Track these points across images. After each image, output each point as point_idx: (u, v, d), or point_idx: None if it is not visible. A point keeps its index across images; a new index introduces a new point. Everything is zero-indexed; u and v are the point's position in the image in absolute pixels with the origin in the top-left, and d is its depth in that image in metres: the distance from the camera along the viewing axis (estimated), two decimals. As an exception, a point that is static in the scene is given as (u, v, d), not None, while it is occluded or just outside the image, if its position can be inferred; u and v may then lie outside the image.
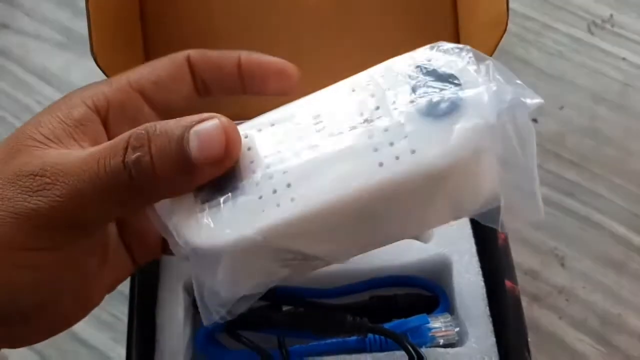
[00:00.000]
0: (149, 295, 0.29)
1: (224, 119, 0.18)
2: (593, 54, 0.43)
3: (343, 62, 0.34)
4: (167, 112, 0.22)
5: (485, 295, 0.29)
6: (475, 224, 0.31)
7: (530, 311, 0.34)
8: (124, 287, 0.35)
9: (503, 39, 0.29)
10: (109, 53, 0.29)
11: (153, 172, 0.18)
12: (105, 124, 0.21)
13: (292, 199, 0.18)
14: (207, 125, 0.18)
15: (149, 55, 0.34)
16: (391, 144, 0.18)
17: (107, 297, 0.35)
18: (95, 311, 0.34)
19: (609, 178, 0.38)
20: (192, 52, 0.22)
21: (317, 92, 0.21)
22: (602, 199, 0.37)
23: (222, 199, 0.18)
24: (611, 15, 0.45)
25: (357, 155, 0.18)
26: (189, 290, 0.30)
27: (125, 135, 0.18)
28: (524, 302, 0.33)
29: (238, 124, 0.19)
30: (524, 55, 0.43)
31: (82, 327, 0.34)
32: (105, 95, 0.21)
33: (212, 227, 0.18)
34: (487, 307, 0.29)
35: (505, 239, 0.29)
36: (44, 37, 0.45)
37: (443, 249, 0.30)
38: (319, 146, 0.18)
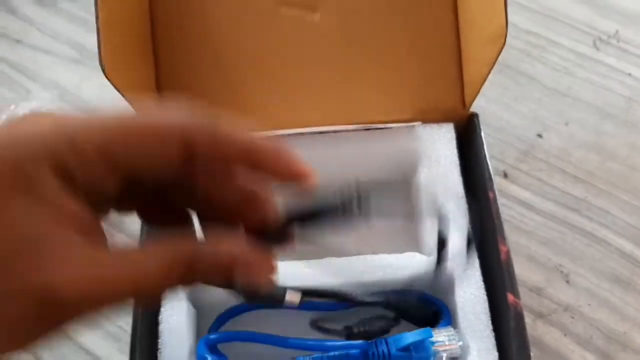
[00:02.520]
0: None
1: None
2: (598, 70, 0.43)
3: (346, 75, 0.35)
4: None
5: (487, 310, 0.29)
6: (478, 239, 0.31)
7: (535, 328, 0.34)
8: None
9: (509, 54, 0.29)
10: (120, 69, 0.30)
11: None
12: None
13: None
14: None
15: (159, 72, 0.35)
16: None
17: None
18: (103, 322, 0.35)
19: (615, 194, 0.38)
20: (192, 127, 0.17)
21: None
22: (607, 215, 0.37)
23: None
24: (617, 31, 0.45)
25: None
26: (192, 301, 0.30)
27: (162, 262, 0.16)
28: (529, 319, 0.33)
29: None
30: (529, 70, 0.44)
31: (88, 338, 0.34)
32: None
33: None
34: (490, 321, 0.29)
35: (508, 253, 0.29)
36: (57, 53, 0.47)
37: (446, 263, 0.30)
38: None
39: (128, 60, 0.32)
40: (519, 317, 0.28)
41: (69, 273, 0.15)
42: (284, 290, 0.26)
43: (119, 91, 0.29)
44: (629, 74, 0.43)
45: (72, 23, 0.48)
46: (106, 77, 0.28)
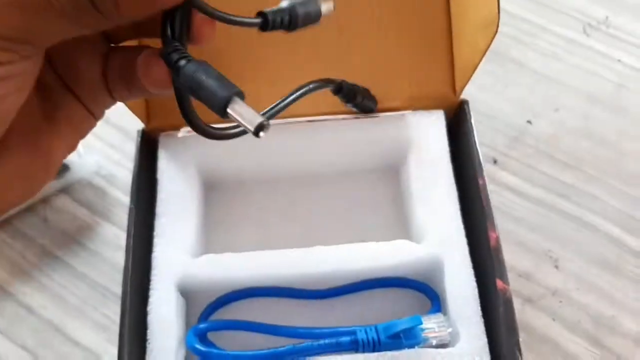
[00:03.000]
0: (140, 295, 0.29)
1: None
2: (588, 56, 0.43)
3: (336, 62, 0.34)
4: None
5: (477, 296, 0.29)
6: (467, 226, 0.31)
7: (524, 313, 0.34)
8: (119, 288, 0.35)
9: (499, 41, 0.29)
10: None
11: None
12: None
13: None
14: None
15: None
16: None
17: (100, 298, 0.36)
18: (90, 312, 0.35)
19: (604, 180, 0.38)
20: None
21: None
22: (596, 201, 0.37)
23: None
24: (606, 17, 0.45)
25: None
26: (181, 290, 0.30)
27: None
28: (518, 304, 0.33)
29: None
30: (519, 57, 0.43)
31: (76, 327, 0.34)
32: None
33: None
34: (479, 308, 0.29)
35: (497, 240, 0.29)
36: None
37: (435, 250, 0.30)
38: None
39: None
40: (508, 303, 0.28)
41: None
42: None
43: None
44: (619, 60, 0.43)
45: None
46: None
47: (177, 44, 0.18)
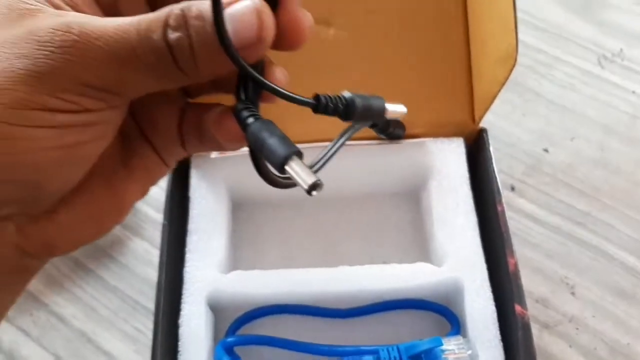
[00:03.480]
0: (172, 308, 0.31)
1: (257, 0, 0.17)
2: (603, 87, 0.44)
3: (358, 90, 0.36)
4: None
5: (496, 320, 0.30)
6: (486, 250, 0.32)
7: (541, 339, 0.35)
8: (148, 301, 0.36)
9: (516, 70, 0.30)
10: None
11: (192, 55, 0.17)
12: None
13: None
14: (239, 7, 0.17)
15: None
16: None
17: (130, 310, 0.37)
18: (120, 324, 0.36)
19: (619, 209, 0.39)
20: None
21: None
22: (612, 230, 0.38)
23: None
24: (621, 50, 0.46)
25: None
26: (211, 305, 0.31)
27: (161, 13, 0.18)
28: (535, 330, 0.34)
29: None
30: (535, 87, 0.45)
31: (106, 338, 0.35)
32: None
33: None
34: (498, 331, 0.30)
35: (515, 265, 0.30)
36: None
37: (456, 274, 0.31)
38: None
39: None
40: (526, 328, 0.29)
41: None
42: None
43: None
44: (633, 92, 0.44)
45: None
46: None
47: (248, 103, 0.19)
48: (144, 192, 0.22)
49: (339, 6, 0.34)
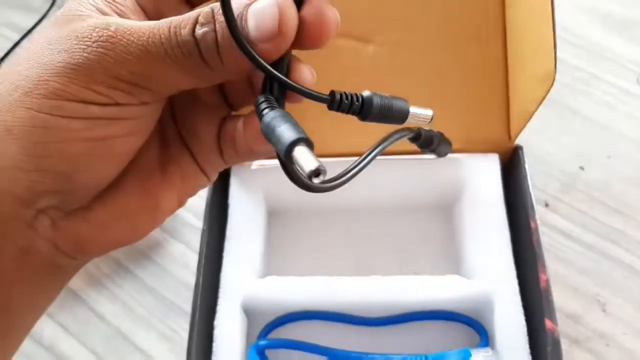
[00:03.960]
0: (209, 311, 0.32)
1: None
2: (640, 106, 0.44)
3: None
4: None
5: (526, 334, 0.30)
6: (518, 265, 0.33)
7: (570, 354, 0.35)
8: (184, 302, 0.38)
9: (553, 88, 0.30)
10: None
11: (217, 48, 0.18)
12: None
13: None
14: (262, 4, 0.18)
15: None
16: None
17: (166, 310, 0.39)
18: (156, 323, 0.37)
19: (654, 228, 0.39)
20: None
21: None
22: (646, 249, 0.38)
23: None
24: (660, 69, 0.46)
25: None
26: (245, 308, 0.32)
27: (193, 12, 0.18)
28: (565, 345, 0.34)
29: None
30: (572, 104, 0.45)
31: (142, 337, 0.37)
32: None
33: None
34: (527, 345, 0.30)
35: (547, 282, 0.30)
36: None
37: (486, 287, 0.32)
38: None
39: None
40: (556, 343, 0.29)
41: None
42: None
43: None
44: (672, 111, 0.44)
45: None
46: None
47: (269, 96, 0.19)
48: (180, 202, 0.22)
49: (378, 23, 0.35)
